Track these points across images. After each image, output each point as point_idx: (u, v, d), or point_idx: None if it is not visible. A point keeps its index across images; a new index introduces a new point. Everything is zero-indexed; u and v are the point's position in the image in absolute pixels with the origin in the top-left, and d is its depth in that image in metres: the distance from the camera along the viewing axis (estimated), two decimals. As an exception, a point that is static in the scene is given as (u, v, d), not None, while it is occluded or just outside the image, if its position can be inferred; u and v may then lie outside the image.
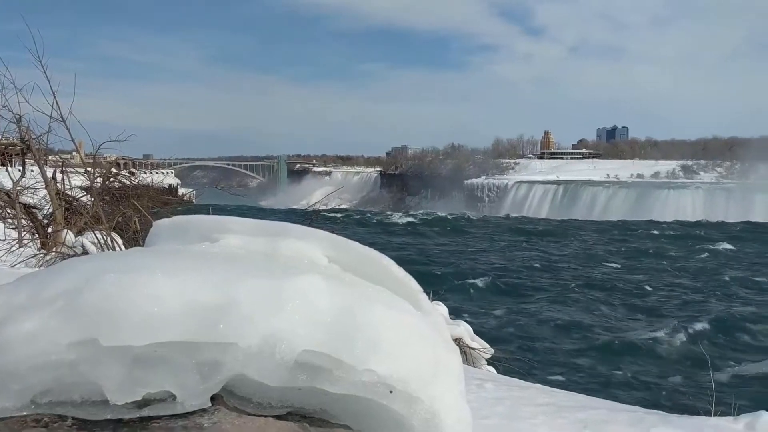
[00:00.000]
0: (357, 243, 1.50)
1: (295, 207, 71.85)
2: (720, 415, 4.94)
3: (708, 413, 5.30)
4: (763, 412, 4.66)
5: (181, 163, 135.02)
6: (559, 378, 15.77)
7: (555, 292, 26.98)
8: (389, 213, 72.79)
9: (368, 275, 1.40)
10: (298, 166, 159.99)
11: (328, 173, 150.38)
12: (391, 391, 1.25)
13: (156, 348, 1.14)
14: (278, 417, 1.24)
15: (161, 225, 1.57)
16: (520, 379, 8.11)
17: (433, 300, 9.45)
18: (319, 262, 1.40)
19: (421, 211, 75.17)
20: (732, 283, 30.15)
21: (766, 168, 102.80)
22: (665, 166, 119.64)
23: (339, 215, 60.57)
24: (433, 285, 24.67)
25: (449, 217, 66.59)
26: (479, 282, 28.91)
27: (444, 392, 1.32)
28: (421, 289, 1.48)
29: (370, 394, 1.25)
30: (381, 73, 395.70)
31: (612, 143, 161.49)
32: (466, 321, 10.15)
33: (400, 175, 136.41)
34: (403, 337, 1.27)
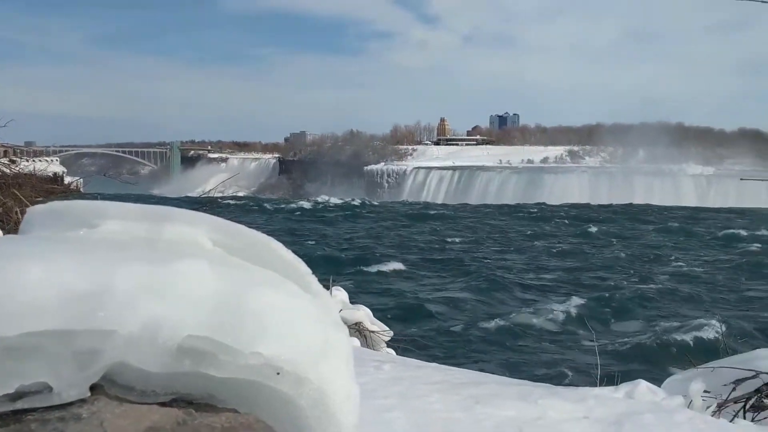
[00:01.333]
0: (244, 227, 1.48)
1: (189, 195, 69.93)
2: (605, 385, 5.24)
3: (593, 384, 5.62)
4: (641, 381, 4.99)
5: (66, 150, 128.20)
6: (455, 356, 16.25)
7: (451, 274, 27.72)
8: (289, 200, 72.22)
9: (256, 259, 1.39)
10: (192, 152, 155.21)
11: (224, 160, 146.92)
12: (278, 373, 1.25)
13: (30, 338, 1.09)
14: (162, 404, 1.22)
15: (36, 211, 1.49)
16: (418, 359, 8.30)
17: (333, 285, 9.48)
18: (204, 246, 1.37)
19: (321, 198, 74.95)
20: (615, 260, 31.97)
21: (645, 153, 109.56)
22: (554, 151, 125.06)
23: (236, 203, 59.43)
24: (334, 270, 24.77)
25: (349, 203, 66.81)
26: (379, 267, 29.25)
27: (333, 372, 1.34)
28: (310, 272, 1.48)
29: (257, 377, 1.24)
30: (278, 58, 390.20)
31: (504, 130, 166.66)
32: (366, 305, 10.25)
33: (300, 161, 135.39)
34: (290, 318, 1.27)
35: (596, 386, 5.30)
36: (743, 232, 42.81)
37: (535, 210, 58.30)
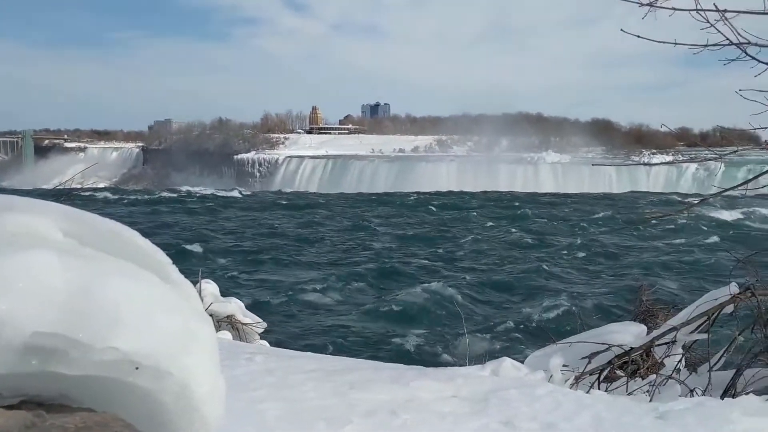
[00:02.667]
0: (97, 216, 1.40)
1: (45, 187, 65.51)
2: (473, 365, 5.45)
3: (464, 364, 5.83)
4: (505, 358, 5.23)
5: None
6: (330, 345, 16.32)
7: (325, 263, 27.75)
8: (153, 191, 69.25)
9: (110, 249, 1.31)
10: (47, 142, 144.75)
11: (83, 149, 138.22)
12: (137, 368, 1.19)
13: None
14: (9, 407, 1.13)
15: None
16: (293, 349, 8.27)
17: (202, 278, 9.21)
18: (52, 237, 1.27)
19: (189, 188, 72.52)
20: (482, 245, 33.28)
21: (508, 142, 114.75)
22: (423, 140, 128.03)
23: (96, 194, 56.26)
24: (203, 263, 24.06)
25: (219, 193, 65.13)
26: (252, 258, 28.79)
27: (196, 364, 1.29)
28: (169, 261, 1.42)
29: (114, 373, 1.18)
30: (140, 42, 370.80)
31: (376, 119, 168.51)
32: (239, 298, 10.06)
33: (165, 150, 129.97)
34: (148, 310, 1.21)
35: (466, 366, 5.50)
36: (595, 215, 45.88)
37: (408, 197, 59.52)
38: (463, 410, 4.00)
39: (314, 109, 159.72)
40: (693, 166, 72.15)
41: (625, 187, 72.02)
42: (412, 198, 59.33)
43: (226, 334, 8.49)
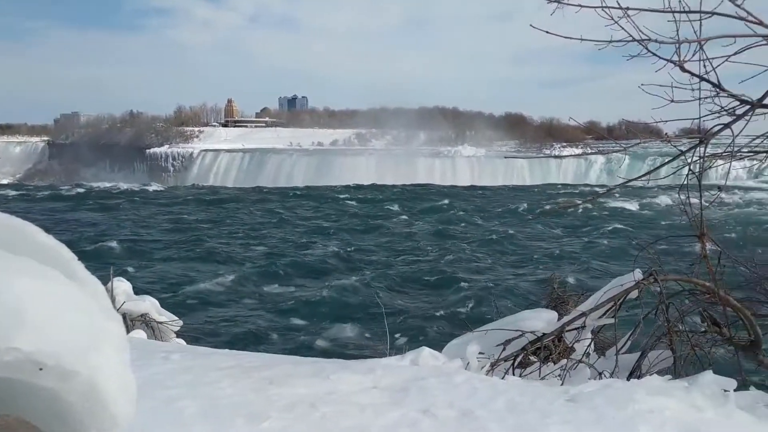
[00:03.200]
0: (-4, 211, 1.33)
1: (-60, 184, 61.75)
2: (395, 356, 5.50)
3: (384, 356, 5.88)
4: (424, 348, 5.31)
5: None
6: (249, 341, 16.12)
7: (242, 259, 27.34)
8: (61, 186, 66.23)
9: (9, 245, 1.25)
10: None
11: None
12: (41, 369, 1.14)
13: None
14: None
15: None
16: (211, 347, 8.12)
17: (114, 276, 8.91)
18: (-56, 235, 1.21)
19: (99, 184, 69.73)
20: (402, 236, 33.61)
21: (426, 135, 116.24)
22: (342, 134, 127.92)
23: (-1, 191, 53.48)
24: (116, 261, 23.27)
25: (131, 188, 62.98)
26: (167, 255, 28.05)
27: (104, 363, 1.25)
28: (74, 257, 1.37)
29: (16, 375, 1.13)
30: (44, 32, 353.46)
31: (293, 112, 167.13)
32: (154, 296, 9.82)
33: (73, 144, 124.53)
34: (52, 308, 1.17)
35: (387, 357, 5.55)
36: (509, 207, 47.16)
37: (327, 191, 59.34)
38: (383, 401, 4.04)
39: (230, 101, 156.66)
40: (601, 159, 75.21)
41: (537, 179, 74.30)
42: (331, 192, 59.21)
43: (141, 333, 8.26)
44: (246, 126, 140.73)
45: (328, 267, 25.77)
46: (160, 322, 9.26)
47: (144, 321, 9.18)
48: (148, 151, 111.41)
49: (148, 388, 4.07)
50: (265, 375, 4.42)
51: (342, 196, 55.39)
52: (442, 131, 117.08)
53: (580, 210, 37.95)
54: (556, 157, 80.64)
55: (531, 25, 4.29)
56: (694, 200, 4.89)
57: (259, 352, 6.80)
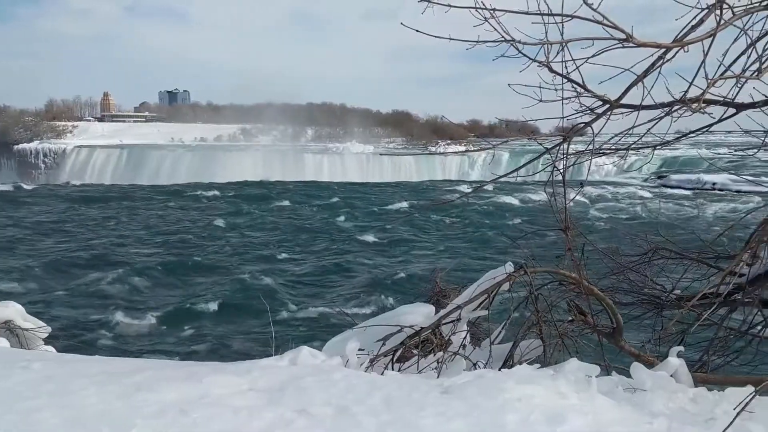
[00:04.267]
0: None
1: None
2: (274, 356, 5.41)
3: (269, 356, 5.77)
4: (303, 347, 5.25)
5: None
6: (124, 346, 15.47)
7: (118, 261, 26.16)
8: None
9: None
10: None
11: None
12: None
13: None
14: None
15: None
16: (85, 354, 7.70)
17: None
18: None
19: (-43, 183, 64.49)
20: (290, 234, 33.30)
21: (313, 131, 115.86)
22: (227, 129, 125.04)
23: None
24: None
25: (-3, 187, 58.74)
26: (36, 258, 26.40)
27: None
28: None
29: None
30: None
31: (174, 106, 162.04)
32: (20, 301, 9.21)
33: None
34: None
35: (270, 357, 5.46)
36: (395, 203, 47.86)
37: (211, 188, 57.77)
38: (259, 402, 3.97)
39: (106, 95, 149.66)
40: (483, 155, 77.76)
41: (423, 175, 75.86)
42: (215, 188, 57.73)
43: (3, 341, 7.73)
44: (124, 121, 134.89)
45: (211, 267, 25.13)
46: (26, 329, 8.70)
47: (7, 328, 8.61)
48: (15, 147, 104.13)
49: (4, 401, 3.80)
50: (133, 381, 4.23)
51: (228, 193, 54.16)
52: (330, 127, 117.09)
53: (462, 206, 39.07)
54: (430, 153, 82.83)
55: (402, 24, 4.34)
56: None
57: (129, 358, 6.52)
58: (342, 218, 40.64)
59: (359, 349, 5.30)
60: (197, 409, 3.68)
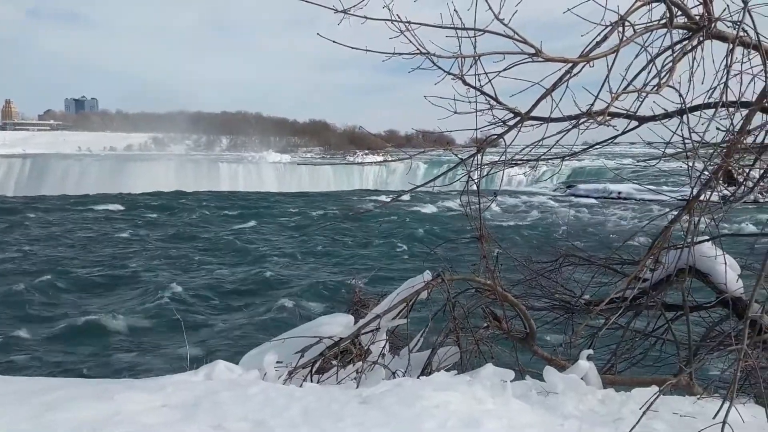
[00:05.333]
0: None
1: None
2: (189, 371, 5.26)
3: (184, 371, 5.61)
4: (219, 361, 5.15)
5: None
6: (34, 364, 14.72)
7: (23, 275, 24.86)
8: None
9: None
10: None
11: None
12: None
13: None
14: None
15: None
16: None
17: None
18: None
19: None
20: (206, 245, 32.54)
21: (229, 140, 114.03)
22: (137, 138, 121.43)
23: None
24: None
25: None
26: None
27: None
28: None
29: None
30: None
31: (82, 114, 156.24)
32: None
33: None
34: None
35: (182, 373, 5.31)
36: (314, 213, 47.64)
37: (122, 199, 55.80)
38: (173, 419, 3.86)
39: (8, 102, 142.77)
40: (400, 165, 78.58)
41: (341, 185, 75.90)
42: (126, 199, 55.80)
43: None
44: (27, 129, 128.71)
45: (121, 280, 24.26)
46: None
47: None
48: None
49: None
50: (44, 400, 4.04)
51: (139, 204, 52.46)
52: (245, 136, 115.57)
53: (380, 215, 39.32)
54: (344, 164, 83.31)
55: (318, 34, 4.34)
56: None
57: (37, 377, 6.19)
58: (258, 229, 40.07)
59: (277, 362, 5.23)
60: (109, 428, 3.54)
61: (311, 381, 5.26)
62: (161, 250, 31.31)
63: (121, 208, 50.73)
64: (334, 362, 5.62)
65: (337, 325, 5.55)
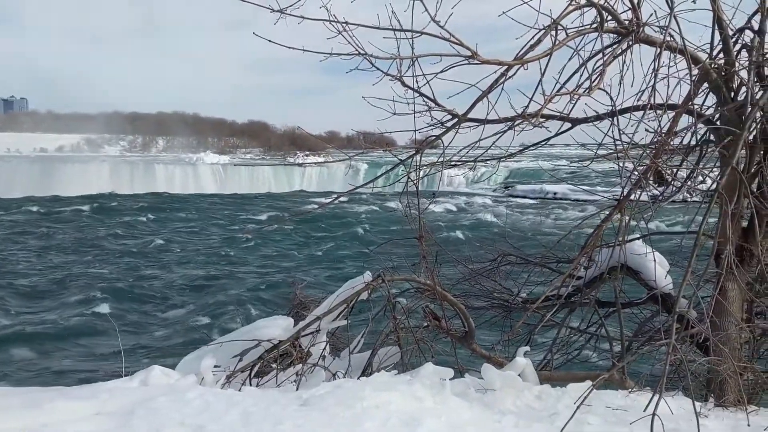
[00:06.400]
0: None
1: None
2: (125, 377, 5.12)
3: (118, 377, 5.45)
4: (155, 367, 5.03)
5: None
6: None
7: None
8: None
9: None
10: None
11: None
12: None
13: None
14: None
15: None
16: None
17: None
18: None
19: None
20: (140, 249, 31.75)
21: (165, 142, 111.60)
22: (69, 139, 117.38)
23: None
24: None
25: None
26: None
27: None
28: None
29: None
30: None
31: (10, 115, 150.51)
32: None
33: None
34: None
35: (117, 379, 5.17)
36: (251, 215, 47.12)
37: (54, 202, 53.90)
38: (107, 427, 3.76)
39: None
40: (343, 167, 78.43)
41: (283, 187, 75.18)
42: (57, 202, 53.96)
43: None
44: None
45: (53, 285, 23.45)
46: None
47: None
48: None
49: None
50: (-35, 413, 3.86)
51: (71, 207, 50.77)
52: (182, 138, 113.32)
53: (321, 216, 39.14)
54: (285, 164, 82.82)
55: (254, 33, 4.30)
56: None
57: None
58: (196, 231, 39.36)
59: (215, 366, 5.15)
60: (39, 438, 3.42)
61: (250, 385, 5.20)
62: (93, 254, 30.41)
63: (51, 210, 49.02)
64: (274, 365, 5.57)
65: (277, 327, 5.50)
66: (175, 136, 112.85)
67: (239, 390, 4.76)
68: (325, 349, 5.62)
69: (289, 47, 4.23)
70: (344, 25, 4.25)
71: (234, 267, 27.56)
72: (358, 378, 4.97)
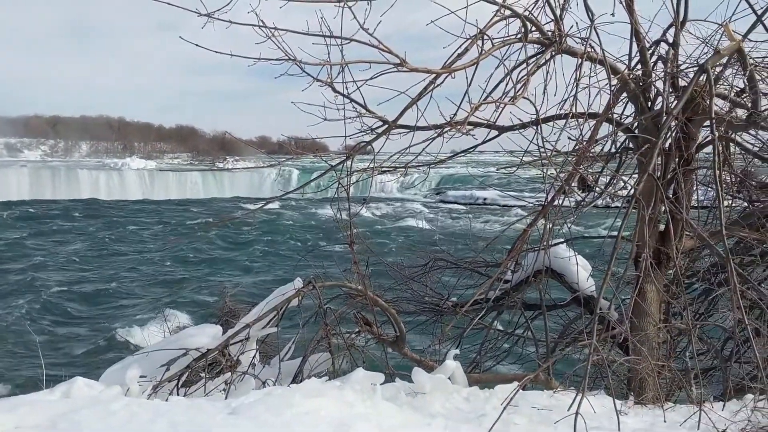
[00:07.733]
0: None
1: None
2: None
3: (39, 390, 5.24)
4: (78, 378, 4.85)
5: None
6: None
7: None
8: None
9: None
10: None
11: None
12: None
13: None
14: None
15: None
16: None
17: None
18: None
19: None
20: (63, 258, 30.59)
21: (89, 146, 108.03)
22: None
23: None
24: None
25: None
26: None
27: None
28: None
29: None
30: None
31: None
32: None
33: None
34: None
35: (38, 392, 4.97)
36: (179, 222, 46.09)
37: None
38: (26, 442, 3.61)
39: None
40: (274, 172, 77.64)
41: (211, 192, 73.82)
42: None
43: None
44: None
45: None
46: None
47: None
48: None
49: None
50: None
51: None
52: (107, 142, 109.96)
53: (251, 222, 38.66)
54: (212, 170, 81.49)
55: (180, 37, 4.23)
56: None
57: None
58: (121, 238, 38.21)
59: (141, 376, 5.01)
60: (-52, 458, 3.26)
61: (178, 394, 5.09)
62: (12, 263, 29.12)
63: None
64: (202, 374, 5.47)
65: (205, 336, 5.40)
66: (99, 140, 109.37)
67: (166, 400, 4.65)
68: (254, 357, 5.55)
69: (217, 52, 4.19)
70: (273, 30, 4.23)
71: (161, 275, 26.89)
72: (289, 385, 4.93)
